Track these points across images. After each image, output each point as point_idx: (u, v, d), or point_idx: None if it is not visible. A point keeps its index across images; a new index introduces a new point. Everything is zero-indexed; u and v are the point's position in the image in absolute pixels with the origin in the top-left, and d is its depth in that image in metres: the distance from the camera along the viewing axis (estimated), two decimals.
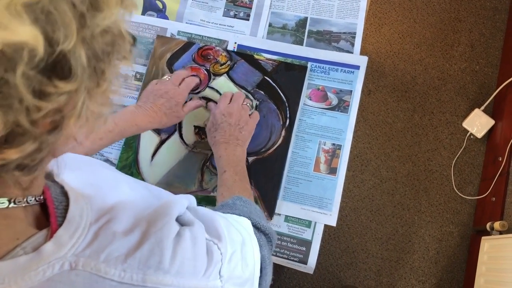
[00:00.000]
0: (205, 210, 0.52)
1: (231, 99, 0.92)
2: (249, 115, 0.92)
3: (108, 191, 0.46)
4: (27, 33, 0.26)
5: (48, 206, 0.38)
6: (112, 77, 0.35)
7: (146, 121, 0.86)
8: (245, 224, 0.60)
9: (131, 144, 0.98)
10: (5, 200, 0.34)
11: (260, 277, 0.59)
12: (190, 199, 0.52)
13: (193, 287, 0.41)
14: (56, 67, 0.29)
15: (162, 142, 0.97)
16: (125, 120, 0.83)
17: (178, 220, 0.47)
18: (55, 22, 0.27)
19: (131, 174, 0.96)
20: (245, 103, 0.92)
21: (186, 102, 0.93)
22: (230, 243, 0.48)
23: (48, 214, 0.38)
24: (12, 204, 0.35)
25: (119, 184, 0.50)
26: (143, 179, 0.95)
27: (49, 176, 0.43)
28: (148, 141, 0.98)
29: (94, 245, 0.38)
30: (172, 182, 0.95)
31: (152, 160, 0.97)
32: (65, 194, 0.41)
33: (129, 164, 0.97)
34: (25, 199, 0.36)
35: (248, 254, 0.53)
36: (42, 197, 0.38)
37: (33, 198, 0.37)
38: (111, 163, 0.98)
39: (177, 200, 0.48)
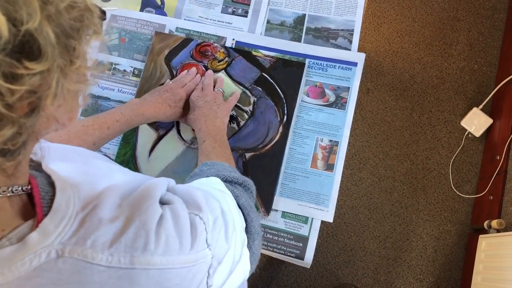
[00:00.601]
0: (182, 186, 0.53)
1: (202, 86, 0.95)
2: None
3: (100, 178, 0.46)
4: None
5: (34, 196, 0.38)
6: (84, 53, 0.35)
7: (152, 111, 0.87)
8: (214, 181, 0.61)
9: (129, 140, 0.98)
10: None
11: (246, 225, 0.60)
12: (170, 181, 0.52)
13: (182, 263, 0.41)
14: (24, 48, 0.28)
15: (160, 138, 0.98)
16: (131, 109, 0.85)
17: (160, 201, 0.47)
18: (16, 1, 0.27)
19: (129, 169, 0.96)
20: (216, 89, 0.95)
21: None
22: (210, 211, 0.48)
23: (34, 204, 0.38)
24: None
25: (112, 172, 0.50)
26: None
27: (37, 166, 0.43)
28: (146, 136, 0.98)
29: (80, 232, 0.38)
30: (170, 178, 0.95)
31: (149, 155, 0.97)
32: (51, 184, 0.40)
33: (127, 160, 0.97)
34: (9, 189, 0.36)
35: (225, 213, 0.53)
36: (28, 187, 0.38)
37: (19, 188, 0.37)
38: (109, 158, 0.98)
39: (159, 183, 0.48)
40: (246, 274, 0.55)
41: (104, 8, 1.04)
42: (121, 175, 0.49)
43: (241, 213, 0.60)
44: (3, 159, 0.32)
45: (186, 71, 1.00)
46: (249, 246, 0.58)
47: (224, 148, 0.82)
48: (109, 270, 0.37)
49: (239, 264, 0.53)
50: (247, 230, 0.60)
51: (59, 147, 0.53)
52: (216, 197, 0.54)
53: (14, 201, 0.37)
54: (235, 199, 0.60)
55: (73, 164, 0.49)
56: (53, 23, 0.30)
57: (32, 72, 0.29)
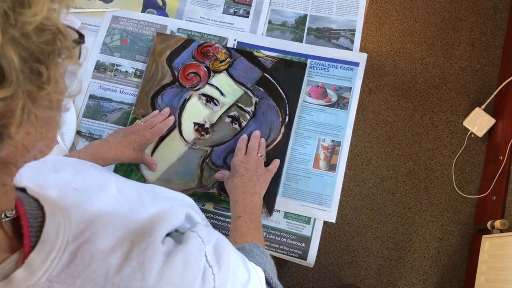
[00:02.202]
0: (218, 234, 0.48)
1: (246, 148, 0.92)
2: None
3: (92, 196, 0.44)
4: None
5: (22, 225, 0.36)
6: (57, 77, 0.32)
7: (113, 154, 0.83)
8: (260, 274, 0.57)
9: None
10: None
11: None
12: (191, 207, 0.48)
13: None
14: None
15: (161, 139, 0.97)
16: (89, 153, 0.80)
17: (174, 233, 0.44)
18: None
19: (131, 171, 0.96)
20: (259, 154, 0.92)
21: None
22: (231, 279, 0.45)
23: (22, 233, 0.36)
24: None
25: (107, 185, 0.47)
26: (142, 176, 0.95)
27: (22, 189, 0.41)
28: None
29: (71, 268, 0.36)
30: (172, 179, 0.95)
31: (152, 156, 0.97)
32: (41, 208, 0.38)
33: None
34: None
35: None
36: (13, 212, 0.36)
37: (3, 214, 0.35)
38: None
39: (169, 214, 0.44)
40: None
41: (106, 10, 1.05)
42: (115, 190, 0.47)
43: None
44: None
45: (157, 110, 0.98)
46: None
47: (258, 232, 0.78)
48: None
49: None
50: None
51: (53, 158, 0.51)
52: (253, 285, 0.50)
53: None
54: None
55: (66, 176, 0.46)
56: (18, 47, 0.28)
57: None
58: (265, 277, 0.60)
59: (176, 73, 1.01)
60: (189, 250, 0.42)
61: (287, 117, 0.97)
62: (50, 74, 0.31)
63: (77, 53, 0.34)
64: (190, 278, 0.40)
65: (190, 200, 0.63)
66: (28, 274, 0.34)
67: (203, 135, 0.97)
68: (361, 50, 1.02)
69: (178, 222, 0.45)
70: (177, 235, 0.45)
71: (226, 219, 0.94)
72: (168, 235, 0.44)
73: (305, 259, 0.91)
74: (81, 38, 0.36)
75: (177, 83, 1.00)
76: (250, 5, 1.07)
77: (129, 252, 0.38)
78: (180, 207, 0.48)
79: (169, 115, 0.98)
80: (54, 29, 0.30)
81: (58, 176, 0.45)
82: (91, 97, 1.02)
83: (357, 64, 1.00)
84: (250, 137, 0.94)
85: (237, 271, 0.47)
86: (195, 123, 0.98)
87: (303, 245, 0.92)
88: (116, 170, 0.97)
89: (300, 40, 1.04)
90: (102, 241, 0.38)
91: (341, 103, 0.98)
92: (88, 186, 0.46)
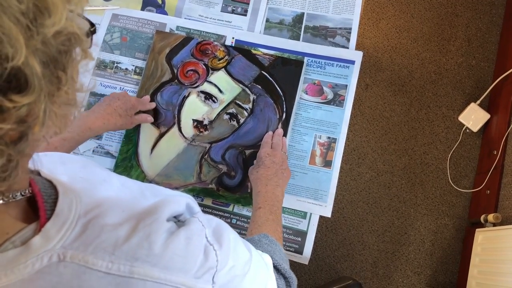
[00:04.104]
0: (218, 220, 0.51)
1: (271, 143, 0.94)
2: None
3: (98, 185, 0.46)
4: None
5: (37, 200, 0.38)
6: (73, 75, 0.35)
7: (99, 123, 0.86)
8: (267, 259, 0.59)
9: (131, 137, 1.00)
10: None
11: None
12: (192, 203, 0.51)
13: (180, 284, 0.41)
14: (11, 82, 0.28)
15: (161, 135, 1.00)
16: (77, 126, 0.83)
17: (175, 219, 0.47)
18: (1, 40, 0.27)
19: (131, 167, 0.98)
20: (283, 151, 0.94)
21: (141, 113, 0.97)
22: (233, 256, 0.47)
23: (37, 208, 0.38)
24: None
25: (110, 179, 0.50)
26: (143, 172, 0.98)
27: (37, 172, 0.43)
28: (148, 134, 1.00)
29: (83, 237, 0.38)
30: (171, 174, 0.97)
31: (151, 152, 0.99)
32: (54, 187, 0.41)
33: (129, 157, 0.99)
34: (11, 195, 0.36)
35: (258, 280, 0.52)
36: (28, 191, 0.38)
37: (19, 193, 0.37)
38: (112, 155, 1.00)
39: (171, 200, 0.47)
40: None
41: (105, 8, 1.06)
42: (119, 183, 0.49)
43: None
44: None
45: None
46: None
47: (276, 224, 0.80)
48: (108, 276, 0.38)
49: None
50: None
51: (59, 154, 0.54)
52: (257, 259, 0.53)
53: (16, 206, 0.38)
54: None
55: (73, 168, 0.49)
56: (39, 55, 0.30)
57: (19, 105, 0.29)
58: (274, 263, 0.62)
59: (175, 71, 1.03)
60: (191, 229, 0.45)
61: (284, 114, 0.99)
62: (67, 73, 0.34)
63: (90, 44, 0.36)
64: (193, 252, 0.43)
65: (190, 196, 0.66)
66: (44, 241, 0.37)
67: (202, 131, 0.99)
68: (358, 46, 1.04)
69: (180, 208, 0.48)
70: (178, 223, 0.47)
71: (225, 214, 0.97)
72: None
73: (301, 253, 0.94)
74: (92, 26, 0.38)
75: (176, 80, 1.02)
76: (248, 3, 1.09)
77: (135, 226, 0.41)
78: (181, 197, 0.50)
79: (167, 111, 1.00)
80: (70, 29, 0.32)
81: (65, 167, 0.47)
82: (92, 94, 1.04)
83: (353, 62, 1.02)
84: (274, 134, 0.96)
85: (238, 249, 0.49)
86: (194, 120, 1.00)
87: (299, 239, 0.94)
88: (116, 165, 0.99)
89: (297, 38, 1.06)
90: (110, 217, 0.41)
91: (337, 100, 1.00)
92: (94, 178, 0.49)
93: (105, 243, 0.39)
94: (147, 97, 1.00)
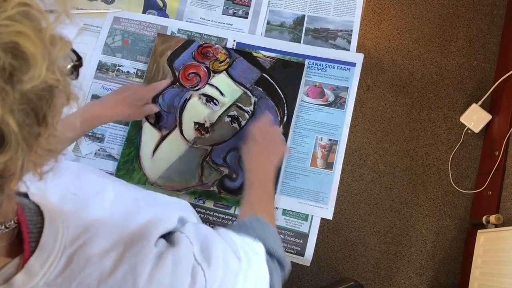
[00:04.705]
0: (206, 229, 0.51)
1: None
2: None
3: (91, 201, 0.45)
4: None
5: (22, 232, 0.37)
6: (54, 121, 0.33)
7: (107, 112, 0.86)
8: (259, 250, 0.59)
9: (133, 140, 1.00)
10: None
11: None
12: (188, 214, 0.50)
13: None
14: None
15: (163, 138, 1.00)
16: (84, 112, 0.83)
17: (165, 236, 0.46)
18: None
19: (133, 169, 0.98)
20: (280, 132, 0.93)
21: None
22: (223, 269, 0.47)
23: (22, 240, 0.37)
24: None
25: (104, 191, 0.49)
26: (144, 174, 0.98)
27: (24, 194, 0.42)
28: (149, 136, 1.00)
29: (67, 272, 0.38)
30: (173, 177, 0.98)
31: (153, 155, 0.99)
32: (41, 213, 0.40)
33: (131, 159, 0.99)
34: None
35: (249, 281, 0.52)
36: (13, 223, 0.37)
37: (3, 226, 0.36)
38: (114, 158, 1.01)
39: (162, 219, 0.46)
40: None
41: (107, 11, 1.07)
42: (113, 196, 0.48)
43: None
44: None
45: None
46: None
47: (269, 202, 0.80)
48: None
49: None
50: None
51: None
52: (248, 259, 0.53)
53: (1, 238, 0.37)
54: (269, 275, 0.59)
55: (65, 182, 0.48)
56: (16, 111, 0.28)
57: None
58: (266, 248, 0.62)
59: (177, 73, 1.03)
60: (179, 251, 0.44)
61: (286, 117, 0.99)
62: (48, 122, 0.32)
63: (76, 93, 0.34)
64: (180, 277, 0.42)
65: (186, 203, 0.65)
66: (27, 278, 0.36)
67: (203, 134, 0.99)
68: (359, 47, 1.04)
69: (171, 225, 0.47)
70: (168, 236, 0.47)
71: (226, 216, 0.97)
72: (161, 237, 0.46)
73: (302, 255, 0.94)
74: (79, 60, 0.36)
75: (177, 83, 1.02)
76: (249, 6, 1.09)
77: (122, 254, 0.40)
78: (174, 211, 0.50)
79: (169, 114, 1.00)
80: (50, 83, 0.30)
81: (57, 182, 0.46)
82: (94, 97, 1.04)
83: (353, 64, 1.02)
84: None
85: (228, 260, 0.49)
86: (195, 123, 1.00)
87: (301, 241, 0.95)
88: (118, 168, 0.99)
89: (298, 40, 1.06)
90: (97, 244, 0.40)
91: (338, 102, 1.00)
92: (87, 191, 0.48)
93: (90, 278, 0.38)
94: (158, 85, 0.98)
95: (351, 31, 1.05)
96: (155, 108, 0.97)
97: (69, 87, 0.33)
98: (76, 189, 0.48)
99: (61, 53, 0.31)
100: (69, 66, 0.35)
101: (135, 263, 0.40)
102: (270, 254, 0.63)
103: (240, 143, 0.93)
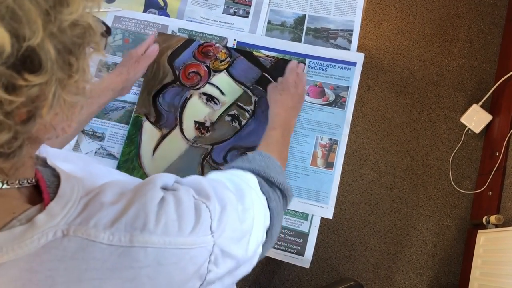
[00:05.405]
0: (191, 177, 0.55)
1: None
2: None
3: (100, 178, 0.49)
4: None
5: (41, 185, 0.41)
6: (84, 67, 0.37)
7: (113, 79, 0.93)
8: (250, 178, 0.63)
9: (133, 139, 1.00)
10: None
11: (268, 228, 0.62)
12: (177, 177, 0.55)
13: (180, 244, 0.44)
14: (25, 61, 0.31)
15: (163, 137, 1.00)
16: (98, 87, 0.91)
17: (165, 188, 0.50)
18: (20, 20, 0.29)
19: (133, 168, 0.98)
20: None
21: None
22: (219, 201, 0.50)
23: (41, 193, 0.41)
24: (5, 186, 0.38)
25: (111, 174, 0.53)
26: (145, 173, 0.98)
27: (43, 163, 0.46)
28: (150, 135, 1.00)
29: (84, 214, 0.41)
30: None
31: (153, 154, 0.99)
32: (56, 175, 0.44)
33: (131, 158, 0.99)
34: (17, 181, 0.39)
35: (246, 209, 0.55)
36: (33, 180, 0.41)
37: (25, 181, 0.40)
38: (114, 157, 1.01)
39: (162, 175, 0.50)
40: (248, 271, 0.57)
41: (108, 10, 1.07)
42: (120, 176, 0.52)
43: (268, 214, 0.62)
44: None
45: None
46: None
47: (284, 147, 0.85)
48: (110, 247, 0.40)
49: (249, 261, 0.55)
50: (267, 233, 0.62)
51: (61, 151, 0.57)
52: (240, 190, 0.57)
53: (22, 190, 0.40)
54: (267, 199, 0.63)
55: (75, 164, 0.52)
56: (55, 40, 0.32)
57: (31, 84, 0.31)
58: (265, 177, 0.65)
59: (177, 72, 1.03)
60: (179, 193, 0.48)
61: None
62: (79, 64, 0.36)
63: (103, 44, 0.39)
64: (185, 212, 0.46)
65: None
66: (49, 218, 0.39)
67: (203, 133, 0.99)
68: (360, 47, 1.04)
69: (170, 181, 0.51)
70: (168, 188, 0.51)
71: None
72: None
73: (302, 254, 0.94)
74: (107, 31, 0.40)
75: (178, 82, 1.02)
76: (250, 5, 1.09)
77: (132, 198, 0.44)
78: (170, 174, 0.54)
79: (169, 113, 1.01)
80: (85, 24, 0.35)
81: (67, 165, 0.49)
82: None
83: (354, 64, 1.02)
84: (299, 66, 1.00)
85: (224, 194, 0.53)
86: (195, 122, 1.00)
87: (301, 240, 0.95)
88: (118, 167, 0.99)
89: (298, 40, 1.06)
90: (109, 195, 0.44)
91: (338, 102, 1.00)
92: (95, 172, 0.52)
93: (105, 218, 0.41)
94: (144, 43, 1.01)
95: (352, 31, 1.05)
96: (156, 48, 1.01)
97: (98, 38, 0.37)
98: (85, 173, 0.51)
99: (96, 3, 0.35)
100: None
101: (145, 201, 0.44)
102: (271, 182, 0.66)
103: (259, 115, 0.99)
